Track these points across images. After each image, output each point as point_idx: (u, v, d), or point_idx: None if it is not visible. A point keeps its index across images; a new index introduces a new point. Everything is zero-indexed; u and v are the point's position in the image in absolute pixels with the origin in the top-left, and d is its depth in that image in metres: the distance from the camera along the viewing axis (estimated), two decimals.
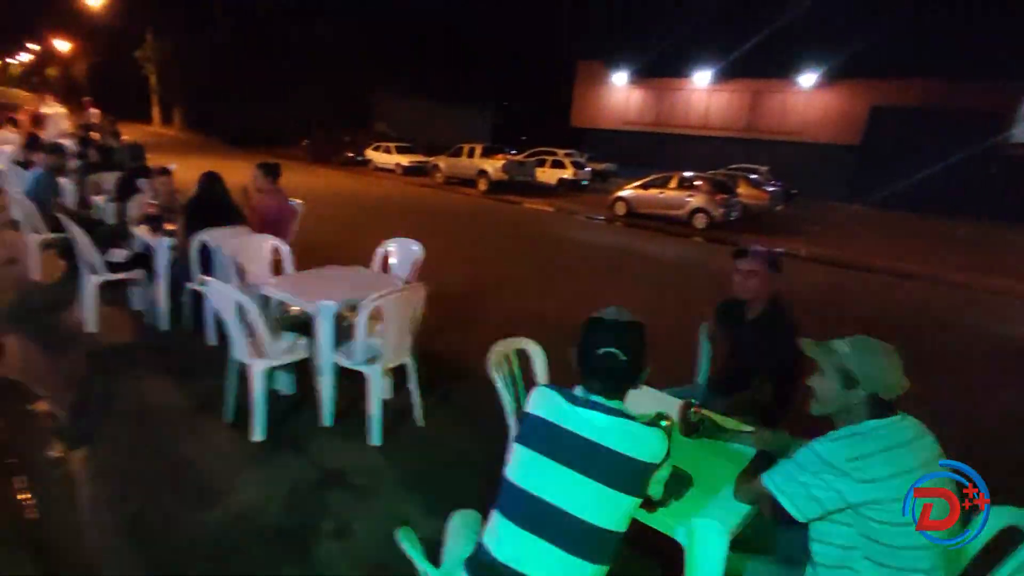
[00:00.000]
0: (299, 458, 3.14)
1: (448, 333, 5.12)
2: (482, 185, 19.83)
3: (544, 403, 1.56)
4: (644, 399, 2.44)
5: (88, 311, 4.48)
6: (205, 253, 4.23)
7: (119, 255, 4.62)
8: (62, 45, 33.90)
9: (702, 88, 28.35)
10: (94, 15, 26.37)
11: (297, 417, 3.52)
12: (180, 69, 29.26)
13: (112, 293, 5.08)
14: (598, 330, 1.57)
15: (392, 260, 4.21)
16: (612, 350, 1.52)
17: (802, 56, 24.81)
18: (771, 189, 18.18)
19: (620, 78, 30.34)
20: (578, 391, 1.57)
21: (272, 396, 3.69)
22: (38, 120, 13.88)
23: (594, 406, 1.51)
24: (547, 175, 21.36)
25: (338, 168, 23.32)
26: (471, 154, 20.58)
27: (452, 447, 3.36)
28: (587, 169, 22.52)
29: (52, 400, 3.53)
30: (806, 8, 22.36)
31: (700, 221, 14.66)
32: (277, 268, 4.33)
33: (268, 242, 4.16)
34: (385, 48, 29.12)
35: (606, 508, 1.44)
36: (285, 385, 3.73)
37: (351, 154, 24.87)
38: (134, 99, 33.61)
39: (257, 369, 3.15)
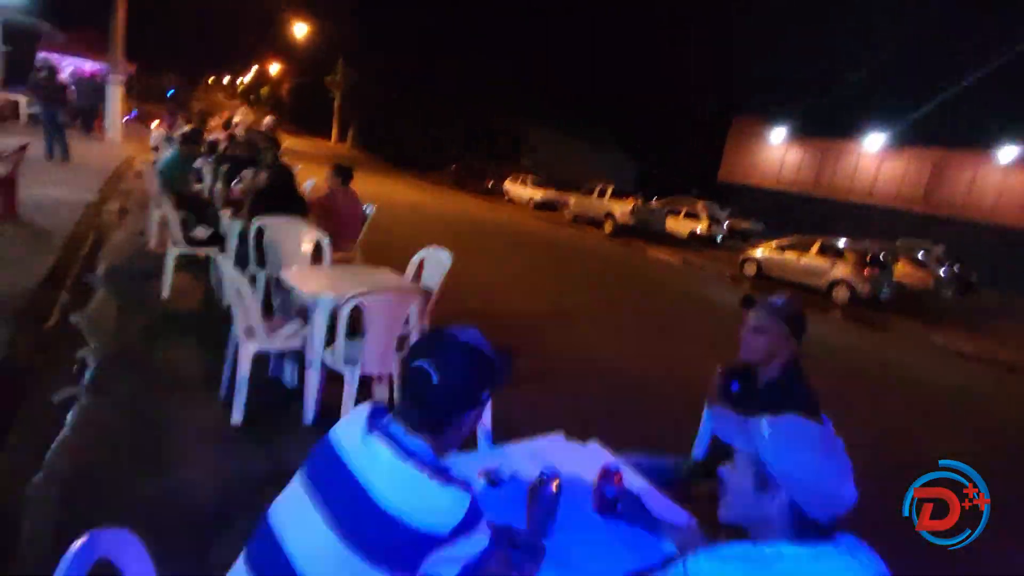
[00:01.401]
0: (264, 449, 3.05)
1: None
2: (607, 227, 19.47)
3: (346, 424, 1.25)
4: (586, 458, 1.99)
5: (165, 279, 4.90)
6: (262, 237, 4.43)
7: (202, 233, 5.02)
8: (274, 68, 39.79)
9: (872, 152, 25.62)
10: (299, 43, 30.64)
11: (284, 410, 3.45)
12: (358, 94, 32.85)
13: (198, 267, 5.56)
14: (426, 341, 1.25)
15: (425, 269, 4.09)
16: (426, 366, 1.17)
17: (1000, 125, 21.41)
18: (941, 272, 15.67)
19: (778, 134, 28.48)
20: (387, 418, 1.24)
21: (274, 384, 3.70)
22: (228, 123, 16.24)
23: (386, 438, 1.17)
24: (678, 225, 20.45)
25: (475, 195, 24.33)
26: (601, 194, 20.36)
27: None
28: (723, 224, 21.23)
29: (93, 350, 3.83)
30: (1007, 67, 19.31)
31: (841, 294, 12.97)
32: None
33: (308, 233, 4.26)
34: (541, 87, 30.24)
35: None
36: (289, 376, 3.71)
37: (490, 183, 25.92)
38: (321, 118, 38.32)
39: (245, 351, 3.14)
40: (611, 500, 1.63)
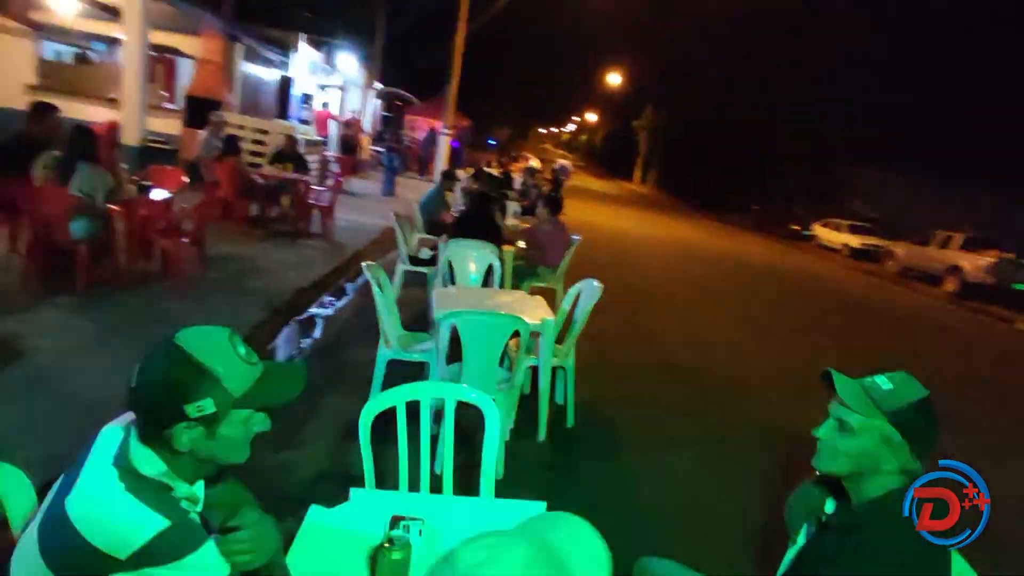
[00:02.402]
0: (377, 447, 3.19)
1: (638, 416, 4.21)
2: (950, 285, 15.21)
3: (116, 420, 1.13)
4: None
5: (395, 290, 5.67)
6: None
7: (425, 253, 5.67)
8: (591, 117, 43.41)
9: None
10: (612, 93, 32.79)
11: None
12: (662, 136, 33.30)
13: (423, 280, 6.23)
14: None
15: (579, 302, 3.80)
16: (136, 367, 1.04)
17: None
18: None
19: None
20: None
21: None
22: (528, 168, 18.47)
23: (121, 441, 1.04)
24: None
25: (775, 238, 21.93)
26: (944, 244, 16.07)
27: None
28: None
29: (312, 341, 4.63)
30: None
31: None
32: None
33: (480, 256, 4.38)
34: (873, 118, 25.70)
35: None
36: None
37: (796, 227, 23.07)
38: (627, 161, 40.10)
39: (380, 356, 3.37)
40: None
